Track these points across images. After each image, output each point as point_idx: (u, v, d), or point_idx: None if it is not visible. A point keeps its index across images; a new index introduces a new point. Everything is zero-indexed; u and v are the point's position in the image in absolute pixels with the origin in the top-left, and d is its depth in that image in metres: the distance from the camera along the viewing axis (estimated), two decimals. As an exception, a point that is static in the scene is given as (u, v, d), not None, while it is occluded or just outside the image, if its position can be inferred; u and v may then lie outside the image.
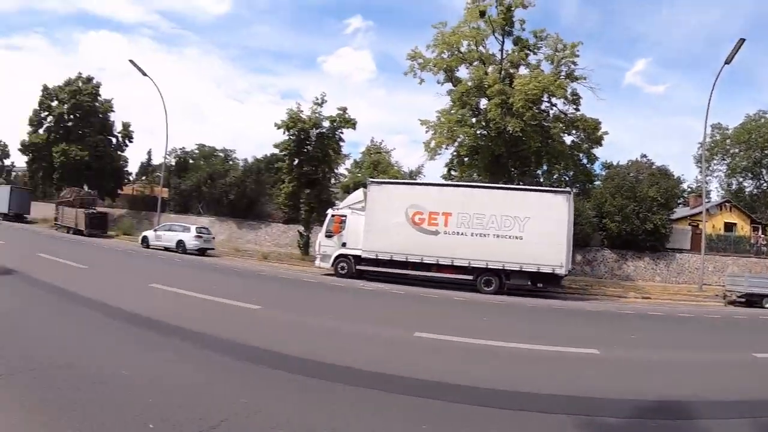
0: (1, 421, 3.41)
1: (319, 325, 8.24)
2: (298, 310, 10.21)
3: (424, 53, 27.63)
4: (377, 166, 39.59)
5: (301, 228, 26.84)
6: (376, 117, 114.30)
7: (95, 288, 10.00)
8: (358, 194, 19.95)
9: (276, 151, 28.34)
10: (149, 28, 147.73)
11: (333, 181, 32.00)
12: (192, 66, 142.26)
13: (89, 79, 39.70)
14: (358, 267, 18.25)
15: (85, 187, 34.04)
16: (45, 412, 3.58)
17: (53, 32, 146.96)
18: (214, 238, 26.25)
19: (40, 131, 39.47)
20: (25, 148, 39.92)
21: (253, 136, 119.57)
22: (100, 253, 20.25)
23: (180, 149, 41.01)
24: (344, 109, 26.89)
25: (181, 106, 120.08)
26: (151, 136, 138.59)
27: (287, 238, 30.34)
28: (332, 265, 18.77)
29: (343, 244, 18.78)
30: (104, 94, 40.01)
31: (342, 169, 37.09)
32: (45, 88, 39.84)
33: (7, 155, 65.62)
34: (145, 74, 30.30)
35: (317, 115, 26.54)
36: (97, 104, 38.59)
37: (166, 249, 23.72)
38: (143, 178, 53.47)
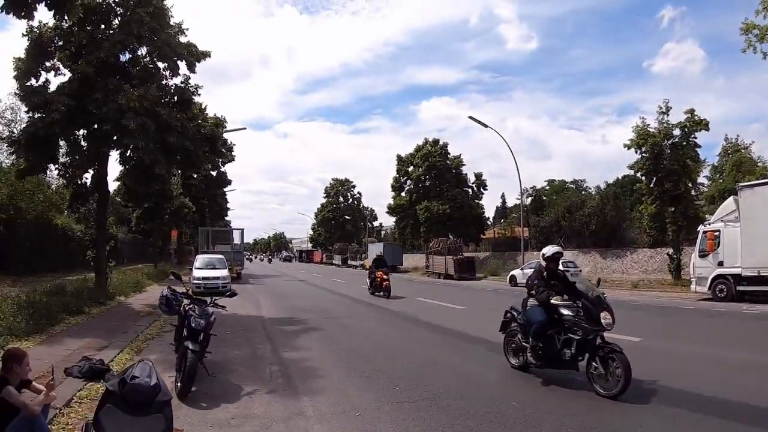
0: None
1: (698, 355, 9.25)
2: (679, 339, 11.14)
3: (757, 22, 25.64)
4: (740, 167, 38.06)
5: (670, 250, 28.00)
6: (721, 109, 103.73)
7: (474, 326, 12.77)
8: (729, 204, 20.08)
9: (630, 172, 31.36)
10: (473, 83, 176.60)
11: (693, 192, 32.26)
12: (523, 106, 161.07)
13: (436, 142, 53.91)
14: (738, 287, 18.46)
15: (450, 237, 45.90)
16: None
17: (390, 110, 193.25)
18: (581, 271, 29.97)
19: (402, 194, 55.69)
20: (392, 210, 56.96)
21: (597, 162, 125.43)
22: (472, 294, 24.79)
23: (531, 188, 49.03)
24: (692, 111, 27.78)
25: (523, 146, 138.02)
26: (500, 180, 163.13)
27: (655, 263, 31.76)
28: (709, 288, 19.36)
29: (720, 263, 19.18)
30: (452, 151, 53.57)
31: (701, 178, 37.43)
32: (399, 158, 56.94)
33: (375, 218, 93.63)
34: (486, 126, 39.66)
35: (665, 125, 28.26)
36: (448, 162, 52.12)
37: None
38: (501, 220, 66.14)
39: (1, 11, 8.09)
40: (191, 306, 7.62)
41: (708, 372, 8.17)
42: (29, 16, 8.58)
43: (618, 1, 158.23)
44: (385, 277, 21.45)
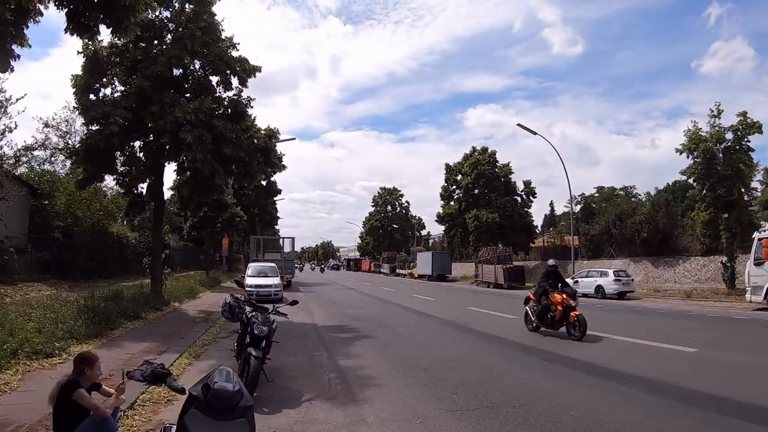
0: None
1: (756, 366, 9.06)
2: (736, 350, 10.89)
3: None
4: (796, 170, 36.62)
5: (724, 258, 27.35)
6: None
7: (527, 335, 12.95)
8: None
9: (681, 177, 31.00)
10: (519, 90, 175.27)
11: (746, 198, 31.58)
12: (570, 112, 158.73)
13: (484, 150, 53.30)
14: None
15: (500, 245, 45.36)
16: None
17: (436, 118, 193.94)
18: (633, 280, 29.26)
19: (451, 203, 55.23)
20: (441, 219, 56.59)
21: (646, 167, 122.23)
22: (522, 303, 26.36)
23: (579, 195, 48.22)
24: (744, 114, 27.11)
25: (570, 153, 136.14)
26: (547, 188, 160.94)
27: (708, 272, 31.22)
28: (765, 298, 19.06)
29: None
30: (499, 159, 52.91)
31: (753, 183, 35.96)
32: (447, 166, 56.51)
33: (423, 227, 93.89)
34: (534, 133, 39.16)
35: (717, 128, 27.55)
36: (496, 170, 51.40)
37: (584, 295, 27.63)
38: (550, 229, 65.09)
39: (66, 33, 8.36)
40: (254, 313, 7.74)
41: (762, 383, 7.93)
42: (92, 37, 8.87)
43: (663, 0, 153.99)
44: (572, 303, 12.55)
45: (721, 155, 27.44)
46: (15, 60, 7.84)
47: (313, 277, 53.82)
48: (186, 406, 2.95)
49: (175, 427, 3.13)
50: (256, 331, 7.31)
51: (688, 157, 28.23)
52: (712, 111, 27.85)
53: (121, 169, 17.68)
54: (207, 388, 2.94)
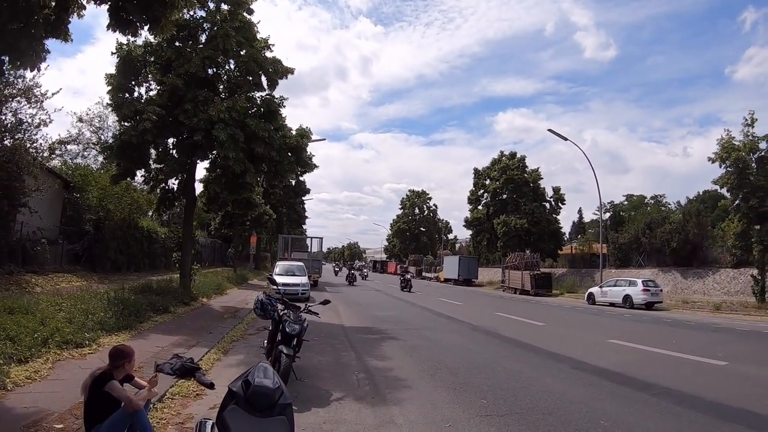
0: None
1: None
2: (767, 366, 10.67)
3: None
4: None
5: (755, 271, 27.22)
6: None
7: (556, 343, 12.83)
8: None
9: (712, 187, 30.52)
10: (549, 94, 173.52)
11: None
12: (601, 117, 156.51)
13: (513, 155, 52.84)
14: None
15: (527, 251, 44.86)
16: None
17: (466, 122, 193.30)
18: (661, 290, 28.81)
19: (479, 207, 54.87)
20: (468, 224, 56.26)
21: (677, 176, 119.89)
22: (550, 310, 24.32)
23: (609, 203, 47.52)
24: None
25: (601, 159, 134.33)
26: (576, 194, 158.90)
27: (738, 285, 30.94)
28: None
29: None
30: (528, 164, 52.42)
31: None
32: (476, 171, 56.26)
33: (450, 231, 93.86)
34: (565, 139, 38.79)
35: (751, 137, 26.93)
36: (525, 175, 50.86)
37: (612, 304, 27.67)
38: (578, 236, 64.26)
39: (108, 29, 8.47)
40: (286, 311, 7.76)
41: None
42: (135, 33, 8.97)
43: (697, 3, 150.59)
44: None
45: (754, 165, 26.95)
46: (45, 58, 7.87)
47: (340, 279, 53.66)
48: (225, 402, 2.93)
49: (211, 422, 3.12)
50: (288, 329, 7.33)
51: (720, 166, 27.65)
52: (746, 119, 27.36)
53: (154, 165, 17.94)
54: (247, 384, 2.92)
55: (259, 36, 17.88)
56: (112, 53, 16.25)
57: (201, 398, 6.49)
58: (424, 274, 66.15)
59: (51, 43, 8.04)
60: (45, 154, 19.59)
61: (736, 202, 27.76)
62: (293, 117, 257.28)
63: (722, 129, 42.66)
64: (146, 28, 8.72)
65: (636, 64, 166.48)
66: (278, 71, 17.92)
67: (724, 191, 29.72)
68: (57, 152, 24.43)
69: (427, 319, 18.28)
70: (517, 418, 6.25)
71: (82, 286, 16.05)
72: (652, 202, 70.93)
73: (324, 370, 8.84)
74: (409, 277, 38.58)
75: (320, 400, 6.85)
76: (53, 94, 18.01)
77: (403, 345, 11.91)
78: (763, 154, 27.03)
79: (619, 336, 12.95)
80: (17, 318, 8.44)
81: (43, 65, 8.36)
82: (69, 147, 29.86)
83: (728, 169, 27.23)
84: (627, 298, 27.45)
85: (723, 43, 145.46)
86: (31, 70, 8.62)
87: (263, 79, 18.06)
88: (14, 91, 16.64)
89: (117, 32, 8.70)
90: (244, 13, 17.35)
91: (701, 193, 64.29)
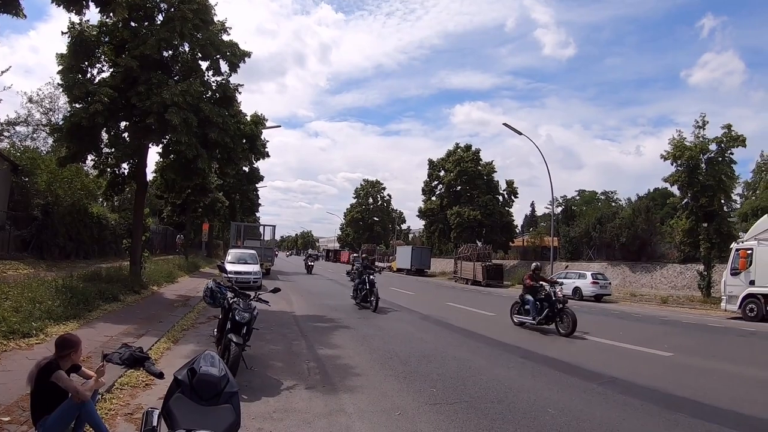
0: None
1: (736, 374, 9.18)
2: (711, 356, 11.08)
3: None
4: (775, 185, 37.57)
5: (701, 267, 28.11)
6: (759, 124, 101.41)
7: (506, 332, 13.23)
8: (764, 222, 20.32)
9: (662, 185, 31.81)
10: (507, 89, 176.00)
11: (726, 209, 32.42)
12: (556, 114, 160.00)
13: (468, 147, 53.54)
14: None
15: (479, 243, 45.60)
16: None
17: (422, 113, 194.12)
18: (610, 283, 30.08)
19: (433, 198, 55.48)
20: (422, 214, 56.78)
21: (629, 174, 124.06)
22: (500, 301, 23.82)
23: (561, 197, 48.75)
24: (729, 127, 27.97)
25: (555, 155, 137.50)
26: (530, 188, 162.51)
27: (684, 280, 31.90)
28: (740, 307, 19.67)
29: (751, 282, 19.44)
30: (483, 157, 53.22)
31: (733, 194, 37.04)
32: (431, 162, 56.80)
33: (403, 221, 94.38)
34: (520, 133, 39.28)
35: (701, 139, 28.37)
36: (480, 168, 51.64)
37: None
38: (530, 229, 65.81)
39: (53, 3, 8.20)
40: (235, 299, 7.70)
41: (735, 389, 8.10)
42: (80, 12, 8.67)
43: (657, 8, 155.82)
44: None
45: (704, 165, 28.16)
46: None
47: (291, 266, 53.33)
48: (171, 391, 2.92)
49: (157, 411, 3.12)
50: (237, 318, 7.30)
51: (672, 164, 29.06)
52: (698, 122, 28.78)
53: (105, 149, 17.36)
54: (193, 372, 2.92)
55: (216, 19, 17.45)
56: (63, 33, 15.52)
57: (150, 388, 6.43)
58: (376, 263, 65.84)
59: (2, 19, 7.73)
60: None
61: (685, 200, 29.22)
62: (250, 103, 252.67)
63: (674, 130, 44.26)
64: (97, 9, 8.48)
65: (594, 64, 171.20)
66: (235, 54, 17.55)
67: (674, 189, 31.01)
68: (5, 134, 23.32)
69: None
70: (465, 406, 6.40)
71: (30, 274, 15.43)
72: (603, 198, 73.29)
73: (275, 358, 8.85)
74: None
75: (270, 388, 6.88)
76: (2, 72, 17.26)
77: (355, 334, 12.01)
78: (712, 155, 28.28)
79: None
80: (-40, 307, 8.09)
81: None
82: (18, 128, 28.57)
83: (679, 167, 28.62)
84: (577, 290, 28.17)
85: (680, 47, 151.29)
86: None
87: (222, 63, 17.65)
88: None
89: (61, 7, 8.44)
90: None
91: (651, 191, 66.69)
